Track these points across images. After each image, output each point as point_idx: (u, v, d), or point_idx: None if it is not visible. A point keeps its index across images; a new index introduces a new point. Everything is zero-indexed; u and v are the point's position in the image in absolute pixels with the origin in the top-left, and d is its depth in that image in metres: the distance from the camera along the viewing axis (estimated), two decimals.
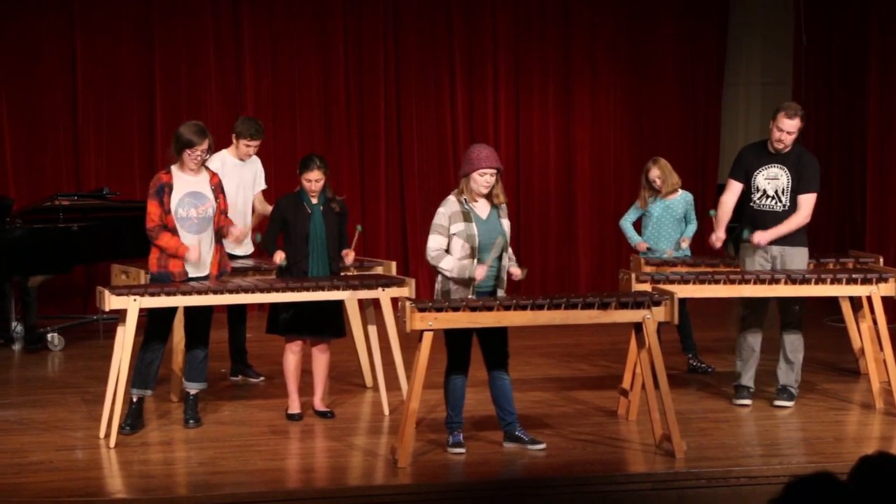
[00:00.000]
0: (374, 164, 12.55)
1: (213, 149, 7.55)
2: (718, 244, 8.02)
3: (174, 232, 7.33)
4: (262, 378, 8.90)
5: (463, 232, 6.81)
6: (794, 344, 7.98)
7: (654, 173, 9.07)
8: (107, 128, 11.89)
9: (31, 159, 11.77)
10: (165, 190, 7.36)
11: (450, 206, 6.88)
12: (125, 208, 10.45)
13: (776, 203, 7.85)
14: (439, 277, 6.92)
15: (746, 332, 8.06)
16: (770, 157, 7.89)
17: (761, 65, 13.31)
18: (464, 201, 6.88)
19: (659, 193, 9.06)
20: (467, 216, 6.84)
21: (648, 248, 9.01)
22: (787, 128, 7.76)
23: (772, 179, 7.86)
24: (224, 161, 8.57)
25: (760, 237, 7.79)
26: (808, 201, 7.86)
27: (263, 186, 8.91)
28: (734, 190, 8.01)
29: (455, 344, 6.89)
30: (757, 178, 7.89)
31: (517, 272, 6.93)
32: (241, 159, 8.71)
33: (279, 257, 7.63)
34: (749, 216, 7.94)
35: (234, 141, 8.70)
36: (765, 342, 8.11)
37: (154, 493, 6.28)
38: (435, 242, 6.86)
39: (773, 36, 13.18)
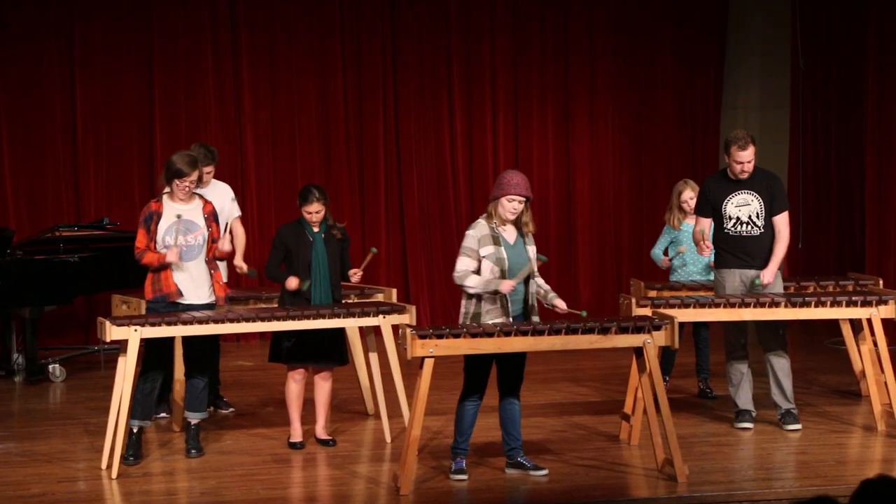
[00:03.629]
0: (373, 191, 12.57)
1: (202, 179, 7.60)
2: (708, 252, 8.03)
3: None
4: (231, 409, 8.84)
5: (493, 255, 6.82)
6: (784, 367, 8.00)
7: (689, 194, 9.00)
8: (107, 158, 11.92)
9: (31, 190, 11.80)
10: (154, 218, 7.44)
11: (479, 228, 6.89)
12: (125, 238, 10.43)
13: (752, 228, 7.90)
14: (465, 301, 6.91)
15: (731, 356, 8.08)
16: (735, 184, 7.93)
17: (759, 89, 13.34)
18: (493, 225, 6.90)
19: (687, 215, 8.99)
20: (496, 240, 6.85)
21: (671, 260, 8.97)
22: (745, 158, 7.84)
23: (743, 206, 7.91)
24: None
25: (767, 276, 7.80)
26: (784, 221, 7.93)
27: (238, 213, 8.83)
28: (704, 224, 8.05)
29: (474, 370, 6.89)
30: (727, 207, 7.93)
31: (563, 306, 6.95)
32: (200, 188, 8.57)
33: (294, 282, 7.59)
34: (726, 243, 7.95)
35: None
36: (753, 364, 8.14)
37: None
38: (462, 264, 6.84)
39: (770, 60, 13.21)
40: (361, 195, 12.56)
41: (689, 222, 8.85)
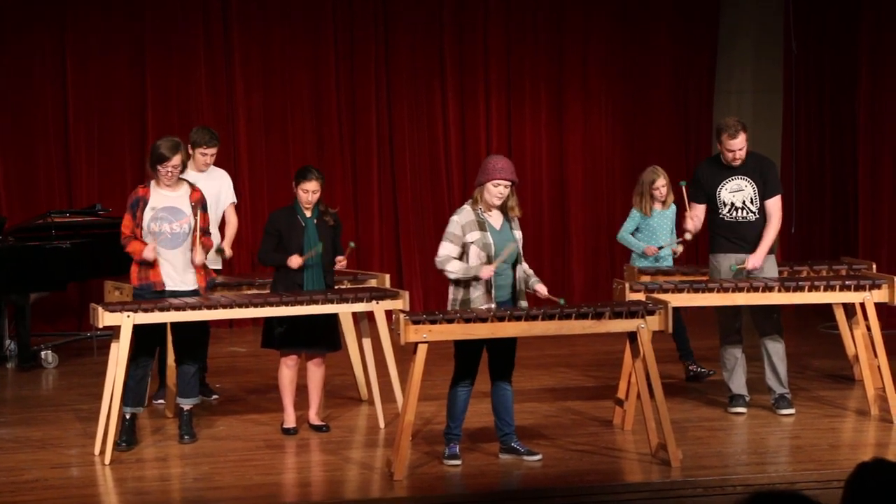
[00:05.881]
0: (366, 177, 12.55)
1: (186, 165, 7.58)
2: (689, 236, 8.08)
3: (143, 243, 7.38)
4: (215, 397, 8.80)
5: (479, 241, 6.79)
6: (778, 352, 8.00)
7: (661, 182, 9.07)
8: (98, 145, 11.88)
9: (22, 177, 11.76)
10: (140, 204, 7.44)
11: (464, 214, 6.86)
12: (117, 225, 10.37)
13: (748, 213, 7.90)
14: (452, 288, 6.89)
15: (725, 341, 8.08)
16: (729, 170, 7.93)
17: (753, 73, 13.33)
18: (479, 211, 6.87)
19: (657, 202, 9.08)
20: (482, 225, 6.83)
21: (661, 248, 9.02)
22: (736, 146, 7.83)
23: (736, 192, 7.90)
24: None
25: (754, 261, 7.80)
26: (776, 205, 7.93)
27: (233, 199, 8.77)
28: (698, 211, 8.03)
29: (465, 355, 6.88)
30: (721, 193, 7.92)
31: (544, 291, 6.94)
32: (200, 170, 8.53)
33: (296, 261, 7.57)
34: (721, 228, 7.94)
35: (190, 152, 8.45)
36: (747, 349, 8.15)
37: None
38: (444, 249, 6.83)
39: (764, 44, 13.20)
40: (354, 182, 12.54)
41: (658, 208, 9.12)
